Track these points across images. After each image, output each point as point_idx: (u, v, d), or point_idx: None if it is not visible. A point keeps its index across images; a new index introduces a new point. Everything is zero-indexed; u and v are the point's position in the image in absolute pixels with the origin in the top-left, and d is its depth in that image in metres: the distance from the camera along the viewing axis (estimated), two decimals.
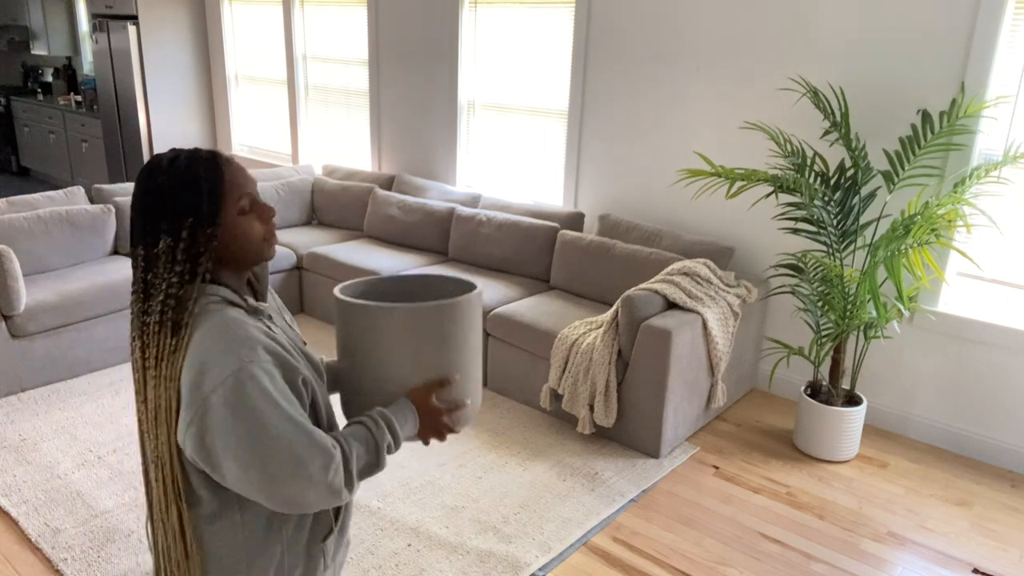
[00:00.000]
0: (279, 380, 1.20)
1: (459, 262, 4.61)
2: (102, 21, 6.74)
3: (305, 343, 1.44)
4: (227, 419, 1.15)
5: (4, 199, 4.25)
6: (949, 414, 3.54)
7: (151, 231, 1.22)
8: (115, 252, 4.59)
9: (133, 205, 1.24)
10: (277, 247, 4.83)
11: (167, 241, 1.21)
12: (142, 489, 3.01)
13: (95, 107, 7.74)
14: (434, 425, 1.38)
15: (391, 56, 5.36)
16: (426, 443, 1.41)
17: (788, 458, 3.44)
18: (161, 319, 1.21)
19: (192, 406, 1.16)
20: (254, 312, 1.28)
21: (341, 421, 3.54)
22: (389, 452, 1.32)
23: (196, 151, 1.25)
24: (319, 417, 1.33)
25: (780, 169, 3.44)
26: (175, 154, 1.24)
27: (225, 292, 1.26)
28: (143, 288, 1.23)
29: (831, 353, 3.44)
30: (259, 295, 1.39)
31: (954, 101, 3.16)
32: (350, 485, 1.25)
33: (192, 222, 1.22)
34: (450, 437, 3.48)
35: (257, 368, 1.17)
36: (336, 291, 1.46)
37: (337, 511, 1.41)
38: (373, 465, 1.30)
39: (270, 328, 1.28)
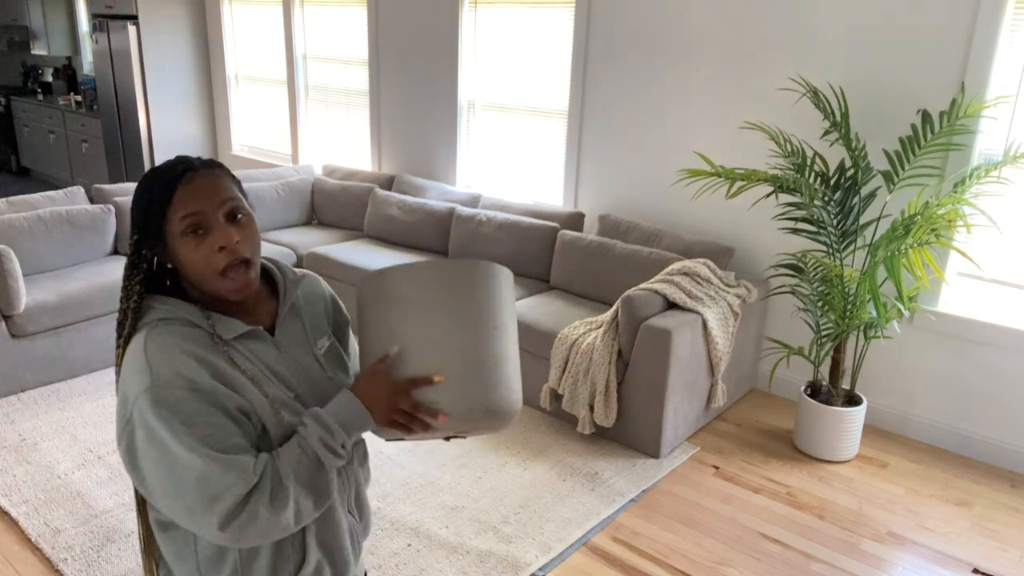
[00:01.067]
0: (194, 404, 1.11)
1: None
2: (102, 21, 6.74)
3: (331, 376, 1.33)
4: (143, 441, 1.11)
5: (4, 199, 4.25)
6: (949, 414, 3.54)
7: (129, 241, 1.24)
8: (115, 252, 4.58)
9: None
10: (278, 247, 4.86)
11: (130, 251, 1.22)
12: None
13: (95, 107, 7.74)
14: (389, 408, 1.19)
15: (391, 56, 5.36)
16: (400, 437, 1.24)
17: (788, 458, 3.44)
18: (116, 330, 1.23)
19: (120, 420, 1.15)
20: (215, 336, 1.20)
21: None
22: (334, 451, 1.18)
23: (173, 163, 1.20)
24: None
25: (780, 169, 3.44)
26: (161, 165, 1.22)
27: (186, 310, 1.20)
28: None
29: (831, 353, 3.44)
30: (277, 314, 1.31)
31: (954, 101, 3.16)
32: (283, 503, 1.12)
33: (137, 238, 1.20)
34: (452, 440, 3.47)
35: (163, 392, 1.11)
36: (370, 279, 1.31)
37: (303, 544, 1.27)
38: (314, 471, 1.16)
39: (232, 354, 1.20)
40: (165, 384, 1.12)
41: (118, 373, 1.20)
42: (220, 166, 1.24)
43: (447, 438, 1.34)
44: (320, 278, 1.47)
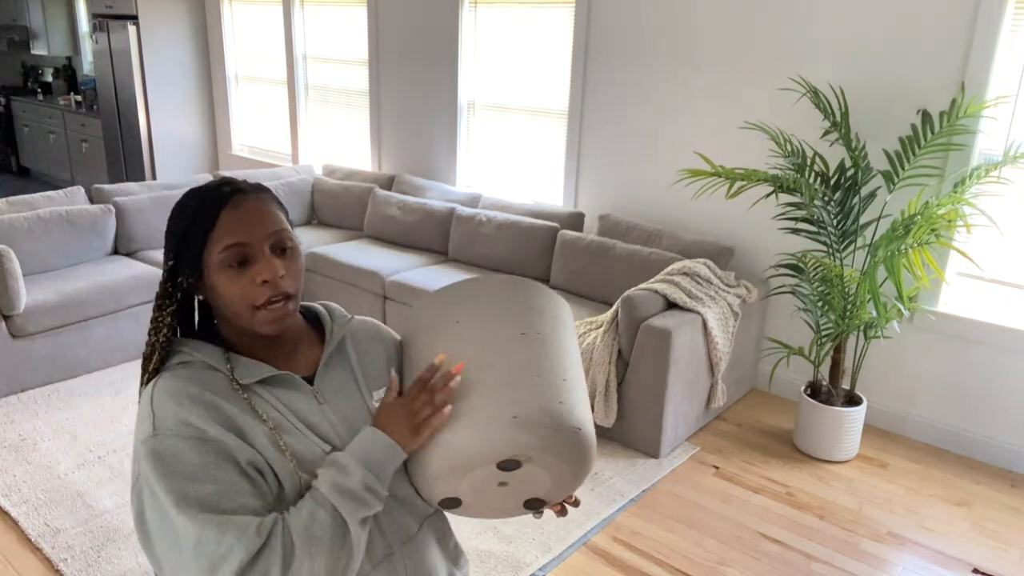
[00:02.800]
0: (198, 456, 0.99)
1: (459, 262, 4.61)
2: (102, 21, 6.74)
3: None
4: (150, 502, 1.00)
5: (4, 199, 4.25)
6: (949, 414, 3.54)
7: (164, 267, 1.12)
8: (115, 252, 4.58)
9: None
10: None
11: (162, 278, 1.11)
12: None
13: (95, 107, 7.74)
14: (411, 418, 1.08)
15: (391, 56, 5.37)
16: (456, 501, 1.08)
17: (788, 458, 3.44)
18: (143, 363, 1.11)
19: (132, 476, 1.05)
20: (234, 381, 1.09)
21: None
22: (353, 494, 1.03)
23: (217, 184, 1.10)
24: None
25: (780, 169, 3.44)
26: (204, 184, 1.11)
27: (207, 352, 1.10)
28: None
29: (831, 353, 3.44)
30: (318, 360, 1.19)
31: (954, 101, 3.16)
32: (297, 568, 0.97)
33: (172, 265, 1.09)
34: None
35: (163, 442, 1.00)
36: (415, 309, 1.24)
37: None
38: (330, 525, 1.01)
39: (254, 402, 1.08)
40: (167, 433, 1.00)
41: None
42: (268, 191, 1.13)
43: (530, 506, 1.16)
44: (380, 323, 1.33)
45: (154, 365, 1.10)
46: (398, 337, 1.32)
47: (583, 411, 1.11)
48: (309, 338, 1.21)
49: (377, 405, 1.18)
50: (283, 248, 1.10)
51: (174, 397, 1.03)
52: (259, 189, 1.12)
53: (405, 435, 1.07)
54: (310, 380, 1.16)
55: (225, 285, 1.06)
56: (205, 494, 0.97)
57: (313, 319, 1.26)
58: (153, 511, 0.99)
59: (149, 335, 1.11)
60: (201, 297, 1.11)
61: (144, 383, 1.10)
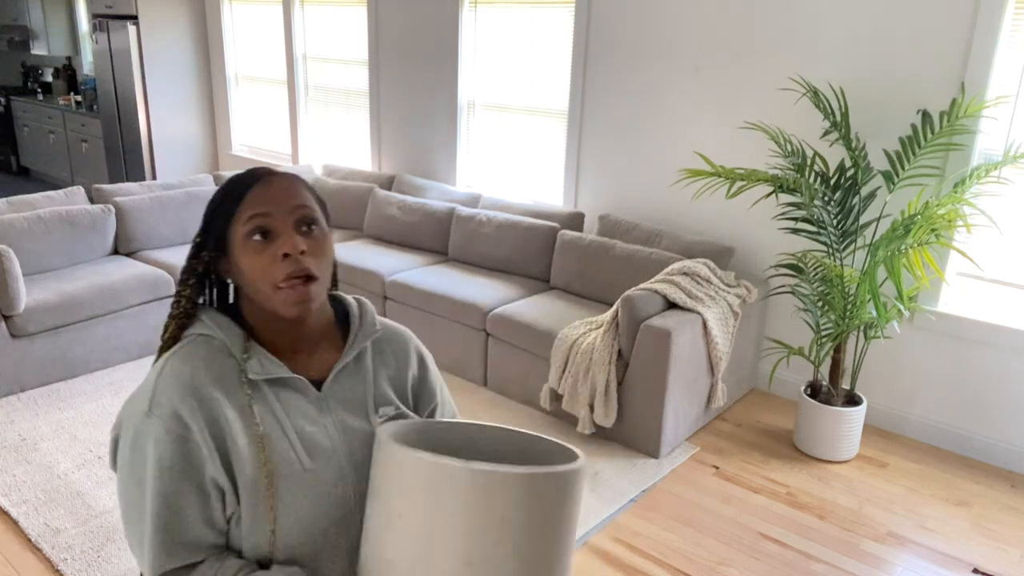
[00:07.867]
0: (170, 453, 1.02)
1: (459, 262, 4.61)
2: (102, 21, 6.74)
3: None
4: (122, 457, 1.07)
5: (4, 199, 4.25)
6: (949, 414, 3.54)
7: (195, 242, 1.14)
8: (115, 252, 4.58)
9: None
10: None
11: (189, 254, 1.13)
12: None
13: (95, 107, 7.74)
14: None
15: (391, 56, 5.37)
16: None
17: (788, 458, 3.44)
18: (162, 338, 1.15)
19: (116, 422, 1.11)
20: (243, 373, 1.08)
21: None
22: None
23: (256, 168, 1.13)
24: (240, 539, 1.05)
25: (780, 169, 3.44)
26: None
27: (229, 333, 1.09)
28: None
29: (831, 353, 3.44)
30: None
31: (954, 101, 3.16)
32: None
33: (199, 240, 1.11)
34: None
35: (149, 426, 1.03)
36: (383, 430, 1.05)
37: None
38: None
39: (254, 401, 1.06)
40: (157, 416, 1.03)
41: None
42: (299, 177, 1.14)
43: None
44: (412, 335, 1.28)
45: (170, 334, 1.12)
46: (427, 355, 1.28)
47: None
48: (332, 338, 1.18)
49: (379, 422, 1.13)
50: (309, 225, 1.09)
51: (179, 385, 1.04)
52: (293, 174, 1.14)
53: None
54: (320, 383, 1.13)
55: (248, 260, 1.06)
56: (157, 490, 1.02)
57: (343, 318, 1.22)
58: (120, 464, 1.07)
59: (172, 307, 1.13)
60: (229, 279, 1.13)
61: (161, 350, 1.13)
